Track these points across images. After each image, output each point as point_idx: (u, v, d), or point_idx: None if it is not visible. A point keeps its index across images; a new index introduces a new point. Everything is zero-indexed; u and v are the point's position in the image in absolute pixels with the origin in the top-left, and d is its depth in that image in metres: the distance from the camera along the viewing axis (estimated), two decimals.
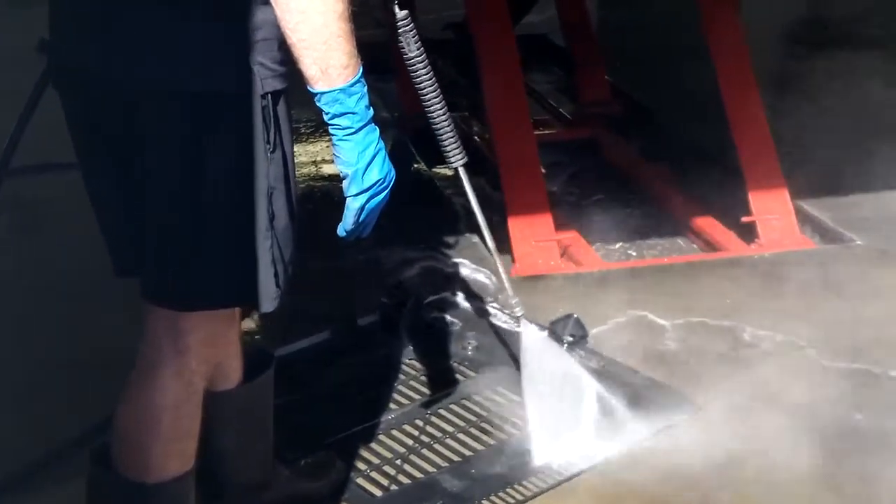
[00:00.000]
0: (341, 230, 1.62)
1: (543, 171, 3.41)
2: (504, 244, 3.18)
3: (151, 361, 1.72)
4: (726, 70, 3.41)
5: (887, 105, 4.76)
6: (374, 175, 1.57)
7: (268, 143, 1.58)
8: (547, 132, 4.03)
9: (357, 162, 1.56)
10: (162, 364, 1.71)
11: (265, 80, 1.57)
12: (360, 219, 1.60)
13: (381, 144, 1.58)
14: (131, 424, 1.74)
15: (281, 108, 1.61)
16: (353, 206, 1.58)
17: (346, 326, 2.73)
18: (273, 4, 1.51)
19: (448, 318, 2.75)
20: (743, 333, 2.77)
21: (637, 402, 2.43)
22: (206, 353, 1.75)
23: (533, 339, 2.30)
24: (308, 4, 1.48)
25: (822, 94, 4.97)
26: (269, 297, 1.65)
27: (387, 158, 1.59)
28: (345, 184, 1.59)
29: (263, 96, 1.57)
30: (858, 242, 3.29)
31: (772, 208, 3.35)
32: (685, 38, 3.87)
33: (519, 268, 3.11)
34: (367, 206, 1.59)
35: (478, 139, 3.86)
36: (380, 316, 2.70)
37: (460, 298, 2.84)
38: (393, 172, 1.61)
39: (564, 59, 4.42)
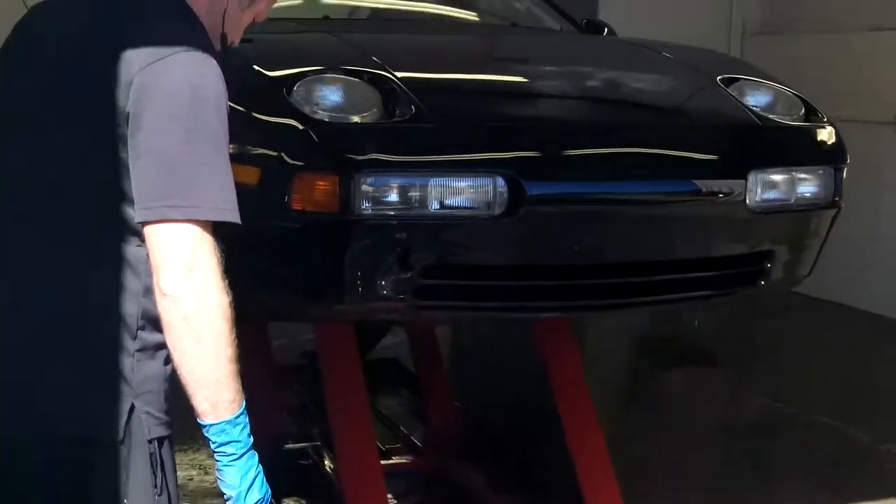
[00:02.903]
0: None
1: (394, 500, 3.42)
2: None
3: None
4: (566, 406, 3.52)
5: (728, 423, 5.00)
6: (254, 496, 1.71)
7: (155, 486, 1.72)
8: (396, 461, 4.07)
9: (240, 485, 1.71)
10: None
11: (152, 427, 1.72)
12: None
13: (260, 467, 1.73)
14: None
15: (166, 451, 1.75)
16: None
17: None
18: (171, 350, 1.69)
19: None
20: None
21: None
22: None
23: None
24: (202, 351, 1.66)
25: (666, 409, 5.19)
26: None
27: (265, 480, 1.73)
28: None
29: (150, 442, 1.72)
30: None
31: None
32: (528, 362, 4.03)
33: None
34: None
35: (329, 470, 3.86)
36: None
37: None
38: (269, 492, 1.74)
39: (415, 383, 4.53)
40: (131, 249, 1.71)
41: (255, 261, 2.84)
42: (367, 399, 3.44)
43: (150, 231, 1.67)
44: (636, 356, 6.05)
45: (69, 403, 1.69)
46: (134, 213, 1.68)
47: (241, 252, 2.56)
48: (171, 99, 1.68)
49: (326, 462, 3.90)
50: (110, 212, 1.71)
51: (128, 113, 1.68)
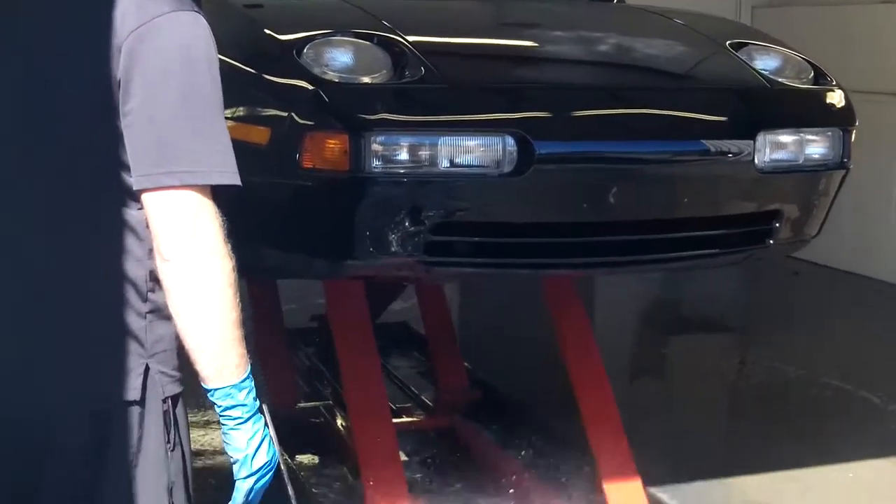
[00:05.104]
0: None
1: (405, 457, 3.47)
2: None
3: None
4: (576, 364, 3.57)
5: (738, 386, 5.04)
6: (261, 459, 1.73)
7: (168, 442, 1.74)
8: (407, 420, 4.12)
9: (246, 448, 1.72)
10: None
11: (166, 385, 1.74)
12: (249, 499, 1.74)
13: (267, 431, 1.75)
14: None
15: (179, 409, 1.77)
16: (242, 487, 1.74)
17: None
18: (175, 317, 1.68)
19: None
20: None
21: None
22: None
23: None
24: (206, 316, 1.66)
25: (675, 373, 5.24)
26: None
27: (272, 443, 1.76)
28: (235, 468, 1.74)
29: (164, 400, 1.74)
30: None
31: (625, 496, 3.44)
32: (539, 326, 4.07)
33: None
34: (254, 487, 1.74)
35: (341, 428, 3.92)
36: None
37: None
38: (277, 456, 1.77)
39: (425, 345, 4.57)
40: (132, 213, 1.69)
41: (266, 219, 2.88)
42: (377, 358, 3.48)
43: (147, 199, 1.65)
44: (643, 322, 6.08)
45: (86, 367, 1.71)
46: (132, 180, 1.66)
47: (252, 211, 2.62)
48: (160, 62, 1.64)
49: (338, 420, 3.95)
50: (109, 178, 1.69)
51: (119, 80, 1.64)
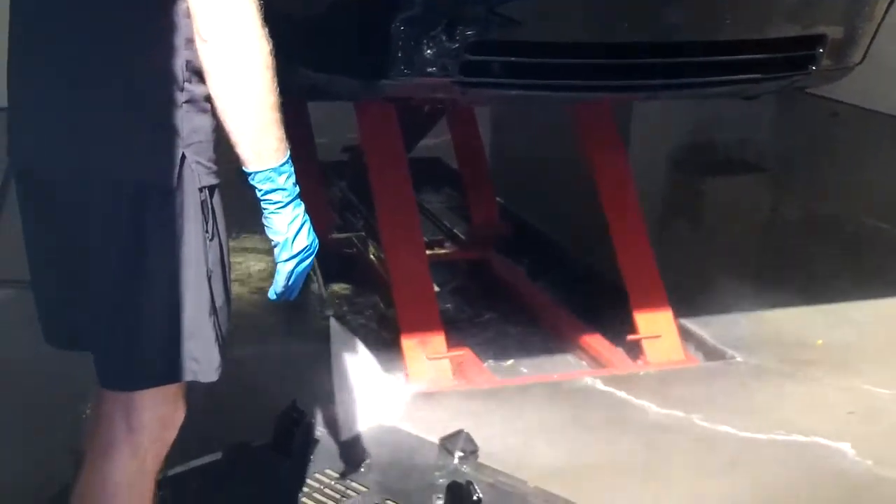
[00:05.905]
0: (272, 293, 1.81)
1: (436, 289, 3.49)
2: (398, 361, 3.25)
3: (106, 441, 1.83)
4: (610, 194, 3.54)
5: (773, 223, 5.01)
6: (301, 242, 1.76)
7: (206, 231, 1.78)
8: (440, 252, 4.13)
9: (286, 231, 1.76)
10: (117, 443, 1.82)
11: (202, 176, 1.76)
12: (290, 282, 1.78)
13: (307, 216, 1.78)
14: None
15: (216, 200, 1.80)
16: (283, 270, 1.78)
17: (239, 447, 2.72)
18: (215, 99, 1.71)
19: (340, 437, 2.77)
20: (628, 446, 2.85)
21: None
22: (158, 433, 1.85)
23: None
24: (246, 99, 1.69)
25: (708, 214, 5.21)
26: (213, 368, 1.83)
27: (311, 228, 1.78)
28: (276, 251, 1.78)
29: (201, 190, 1.76)
30: (738, 359, 3.41)
31: (656, 327, 3.47)
32: (572, 162, 4.03)
33: (412, 384, 3.16)
34: (295, 270, 1.77)
35: (373, 258, 3.93)
36: (273, 436, 2.71)
37: (352, 418, 2.87)
38: (317, 241, 1.80)
39: (458, 181, 4.55)
40: (169, 3, 1.70)
41: (300, 38, 2.82)
42: (411, 187, 3.46)
43: None
44: (678, 163, 6.02)
45: (124, 152, 1.74)
46: None
47: (285, 29, 2.57)
48: None
49: (371, 251, 3.96)
50: None
51: None
